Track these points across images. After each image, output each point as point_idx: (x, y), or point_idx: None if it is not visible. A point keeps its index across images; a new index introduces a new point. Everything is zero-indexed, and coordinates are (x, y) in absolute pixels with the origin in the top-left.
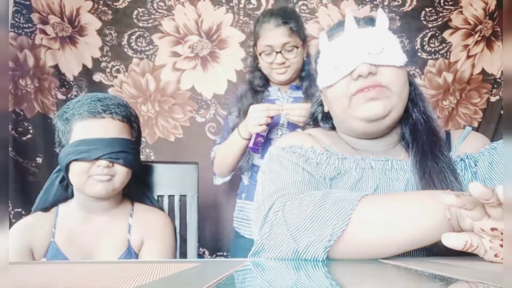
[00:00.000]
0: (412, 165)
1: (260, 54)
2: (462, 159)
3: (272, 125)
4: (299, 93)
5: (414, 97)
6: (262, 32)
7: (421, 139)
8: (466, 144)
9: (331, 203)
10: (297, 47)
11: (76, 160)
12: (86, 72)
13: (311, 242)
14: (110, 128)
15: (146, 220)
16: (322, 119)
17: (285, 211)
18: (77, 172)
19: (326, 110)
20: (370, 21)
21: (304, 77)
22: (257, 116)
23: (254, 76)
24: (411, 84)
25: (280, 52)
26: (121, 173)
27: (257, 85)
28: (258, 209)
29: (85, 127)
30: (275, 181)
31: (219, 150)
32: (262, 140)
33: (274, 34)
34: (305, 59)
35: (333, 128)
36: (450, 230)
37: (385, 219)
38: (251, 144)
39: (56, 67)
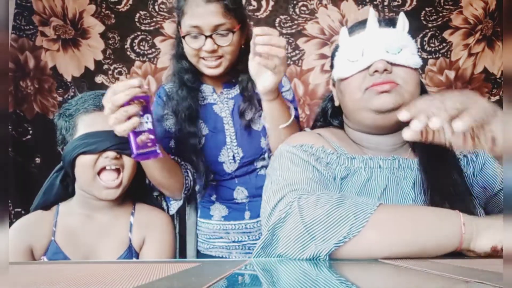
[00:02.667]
0: (418, 164)
1: (184, 37)
2: (465, 155)
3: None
4: (236, 90)
5: None
6: (188, 7)
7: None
8: None
9: (349, 204)
10: (233, 32)
11: (83, 153)
12: (88, 74)
13: (325, 236)
14: None
15: (147, 219)
16: (331, 114)
17: (301, 203)
18: (83, 165)
19: (337, 104)
20: (391, 22)
21: (241, 71)
22: (111, 108)
23: (181, 67)
24: (422, 88)
25: (210, 36)
26: (129, 166)
27: (187, 80)
28: (267, 202)
29: (91, 121)
30: (286, 176)
31: None
32: (150, 138)
33: (203, 12)
34: (242, 46)
35: (341, 125)
36: (460, 244)
37: (401, 227)
38: (133, 152)
39: (54, 68)
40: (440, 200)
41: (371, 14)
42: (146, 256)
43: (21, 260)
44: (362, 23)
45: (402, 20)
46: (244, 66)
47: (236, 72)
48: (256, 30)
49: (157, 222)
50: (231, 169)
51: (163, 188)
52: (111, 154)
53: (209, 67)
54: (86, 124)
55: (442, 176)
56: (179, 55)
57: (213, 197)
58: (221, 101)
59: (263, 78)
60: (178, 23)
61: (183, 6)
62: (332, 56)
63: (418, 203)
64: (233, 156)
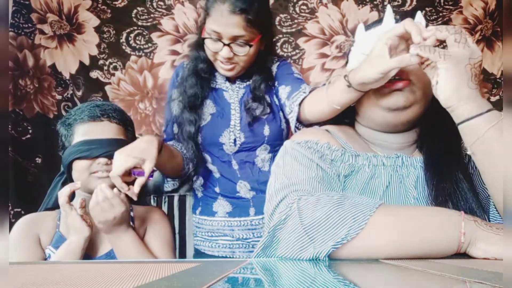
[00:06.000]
0: (423, 162)
1: (204, 39)
2: (466, 153)
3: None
4: (249, 82)
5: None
6: (213, 12)
7: (439, 140)
8: None
9: (348, 205)
10: (251, 45)
11: (78, 158)
12: (83, 70)
13: (323, 238)
14: (108, 130)
15: (145, 214)
16: (342, 111)
17: (300, 204)
18: (79, 170)
19: None
20: None
21: (256, 71)
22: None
23: (198, 56)
24: None
25: (228, 44)
26: None
27: (201, 70)
28: (270, 201)
29: (86, 130)
30: (289, 175)
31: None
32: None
33: (226, 22)
34: (261, 48)
35: (352, 123)
36: (457, 251)
37: (400, 229)
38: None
39: (53, 66)
40: (444, 199)
41: (388, 10)
42: (151, 242)
43: (31, 248)
44: (379, 21)
45: (419, 18)
46: (259, 67)
47: (251, 70)
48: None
49: (154, 214)
50: (231, 151)
51: (163, 170)
52: (102, 160)
53: (224, 69)
54: (81, 132)
55: (447, 174)
56: (200, 44)
57: (217, 189)
58: (232, 89)
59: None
60: (203, 20)
61: (210, 8)
62: (348, 52)
63: (420, 202)
64: (234, 140)
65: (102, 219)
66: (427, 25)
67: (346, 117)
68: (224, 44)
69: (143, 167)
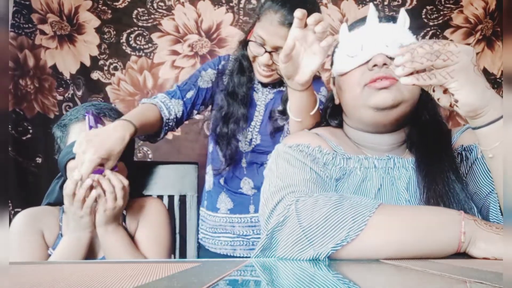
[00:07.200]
0: (415, 163)
1: (249, 41)
2: (459, 152)
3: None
4: (279, 88)
5: (425, 99)
6: (264, 18)
7: (428, 140)
8: (464, 136)
9: (347, 206)
10: None
11: (73, 158)
12: (84, 70)
13: (323, 241)
14: None
15: (140, 207)
16: (330, 114)
17: (298, 206)
18: (73, 170)
19: (337, 102)
20: (392, 19)
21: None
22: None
23: (243, 54)
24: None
25: (270, 52)
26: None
27: (246, 68)
28: (266, 204)
29: (81, 129)
30: (283, 177)
31: None
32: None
33: (273, 32)
34: None
35: (340, 125)
36: (457, 251)
37: (400, 229)
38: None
39: (53, 66)
40: (435, 201)
41: (371, 9)
42: (140, 239)
43: (36, 242)
44: (362, 20)
45: (403, 16)
46: None
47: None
48: (309, 21)
49: (149, 207)
50: (244, 150)
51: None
52: None
53: (261, 75)
54: (76, 132)
55: (438, 176)
56: (246, 44)
57: (221, 181)
58: (262, 92)
59: (309, 62)
60: (254, 22)
61: (261, 14)
62: (332, 54)
63: (412, 204)
64: (250, 140)
65: (111, 206)
66: (414, 24)
67: (335, 119)
68: (266, 51)
69: (105, 165)
